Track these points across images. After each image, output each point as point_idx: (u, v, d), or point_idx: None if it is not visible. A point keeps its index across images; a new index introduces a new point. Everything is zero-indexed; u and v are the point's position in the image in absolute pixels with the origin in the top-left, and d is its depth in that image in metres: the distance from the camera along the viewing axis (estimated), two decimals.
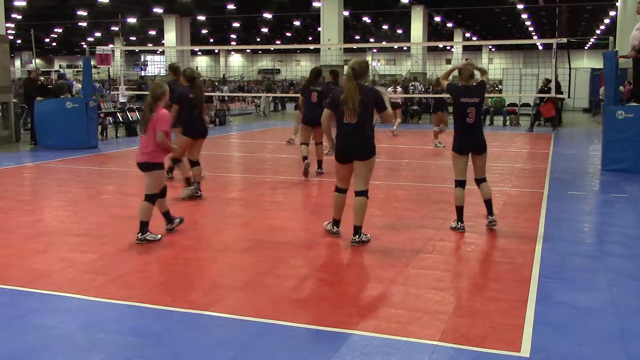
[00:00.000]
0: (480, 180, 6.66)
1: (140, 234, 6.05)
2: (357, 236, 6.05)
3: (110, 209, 7.23)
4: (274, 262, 5.52)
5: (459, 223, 6.57)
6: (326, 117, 6.16)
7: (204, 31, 52.41)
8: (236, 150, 15.43)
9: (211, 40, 57.01)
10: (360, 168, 6.00)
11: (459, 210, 6.57)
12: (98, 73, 32.45)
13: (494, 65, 53.33)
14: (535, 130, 19.70)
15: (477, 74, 6.75)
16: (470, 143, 6.53)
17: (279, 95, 28.86)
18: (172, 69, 9.74)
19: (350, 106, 5.84)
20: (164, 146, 6.02)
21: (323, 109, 8.04)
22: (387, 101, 6.52)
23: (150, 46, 55.18)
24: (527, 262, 5.53)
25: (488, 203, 6.65)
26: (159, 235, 6.19)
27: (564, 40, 13.39)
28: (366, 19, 44.64)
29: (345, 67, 6.10)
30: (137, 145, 6.28)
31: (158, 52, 58.90)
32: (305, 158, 10.32)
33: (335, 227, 6.36)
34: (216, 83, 34.00)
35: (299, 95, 11.92)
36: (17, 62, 56.62)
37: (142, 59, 62.36)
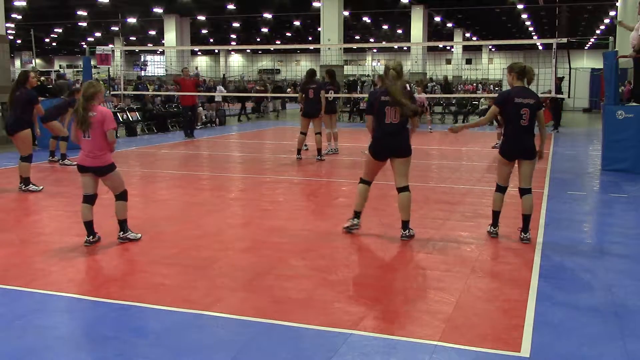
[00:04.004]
0: (524, 191, 6.18)
1: (122, 232, 6.13)
2: (406, 231, 6.26)
3: (110, 208, 7.20)
4: (274, 262, 5.52)
5: (492, 227, 6.38)
6: (369, 123, 6.32)
7: (204, 31, 52.43)
8: (236, 150, 15.43)
9: (211, 40, 57.03)
10: (400, 165, 6.20)
11: (495, 214, 6.35)
12: (98, 73, 32.40)
13: (494, 65, 53.43)
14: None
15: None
16: (519, 148, 6.12)
17: (280, 95, 28.73)
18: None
19: (401, 103, 5.97)
20: (113, 144, 6.05)
21: (318, 103, 11.65)
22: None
23: (150, 46, 55.20)
24: (527, 262, 5.54)
25: (526, 218, 6.20)
26: (139, 235, 6.25)
27: (564, 40, 13.38)
28: (366, 19, 44.65)
29: (386, 68, 6.14)
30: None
31: (158, 52, 58.89)
32: (299, 151, 12.37)
33: (356, 219, 6.47)
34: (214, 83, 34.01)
35: (298, 94, 13.19)
36: (17, 62, 56.60)
37: (142, 59, 62.34)
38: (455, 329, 4.06)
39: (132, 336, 3.97)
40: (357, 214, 6.49)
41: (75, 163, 6.39)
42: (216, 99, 24.27)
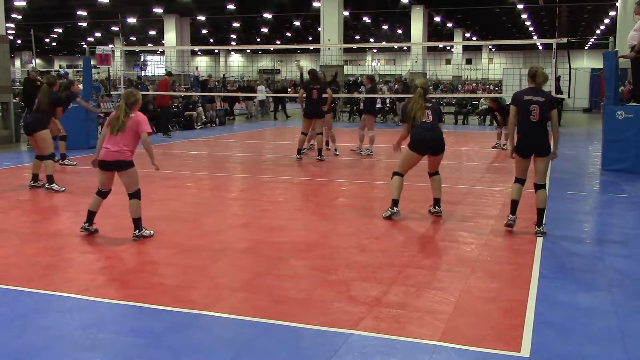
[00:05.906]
0: (538, 186, 6.49)
1: (137, 230, 6.21)
2: (436, 207, 7.25)
3: (110, 208, 7.22)
4: (274, 262, 5.52)
5: (510, 216, 6.59)
6: (405, 130, 7.21)
7: (204, 31, 52.41)
8: (236, 150, 15.43)
9: (211, 40, 57.01)
10: (434, 160, 7.21)
11: (513, 203, 6.59)
12: (98, 73, 32.42)
13: (494, 65, 53.46)
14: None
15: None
16: (530, 143, 6.43)
17: (252, 95, 27.96)
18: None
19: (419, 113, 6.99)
20: (147, 145, 6.26)
21: (321, 104, 11.99)
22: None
23: (150, 46, 55.21)
24: (527, 262, 5.54)
25: (540, 212, 6.47)
26: (152, 231, 6.34)
27: (564, 40, 13.38)
28: (366, 19, 44.66)
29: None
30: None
31: (158, 52, 58.88)
32: (299, 151, 12.30)
33: (395, 207, 7.04)
34: (215, 83, 33.92)
35: (298, 93, 13.11)
36: (17, 62, 56.58)
37: (142, 59, 62.32)
38: (455, 329, 4.06)
39: (132, 336, 3.97)
40: (395, 202, 7.05)
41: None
42: (259, 98, 25.93)
